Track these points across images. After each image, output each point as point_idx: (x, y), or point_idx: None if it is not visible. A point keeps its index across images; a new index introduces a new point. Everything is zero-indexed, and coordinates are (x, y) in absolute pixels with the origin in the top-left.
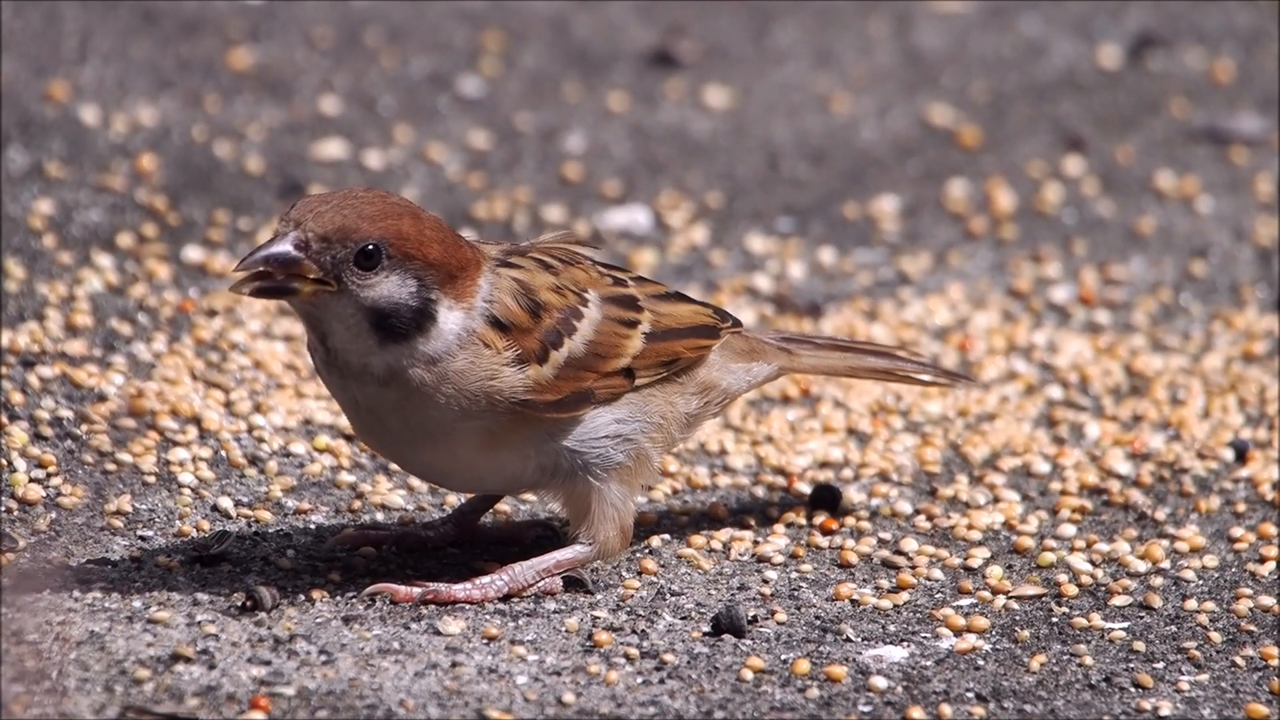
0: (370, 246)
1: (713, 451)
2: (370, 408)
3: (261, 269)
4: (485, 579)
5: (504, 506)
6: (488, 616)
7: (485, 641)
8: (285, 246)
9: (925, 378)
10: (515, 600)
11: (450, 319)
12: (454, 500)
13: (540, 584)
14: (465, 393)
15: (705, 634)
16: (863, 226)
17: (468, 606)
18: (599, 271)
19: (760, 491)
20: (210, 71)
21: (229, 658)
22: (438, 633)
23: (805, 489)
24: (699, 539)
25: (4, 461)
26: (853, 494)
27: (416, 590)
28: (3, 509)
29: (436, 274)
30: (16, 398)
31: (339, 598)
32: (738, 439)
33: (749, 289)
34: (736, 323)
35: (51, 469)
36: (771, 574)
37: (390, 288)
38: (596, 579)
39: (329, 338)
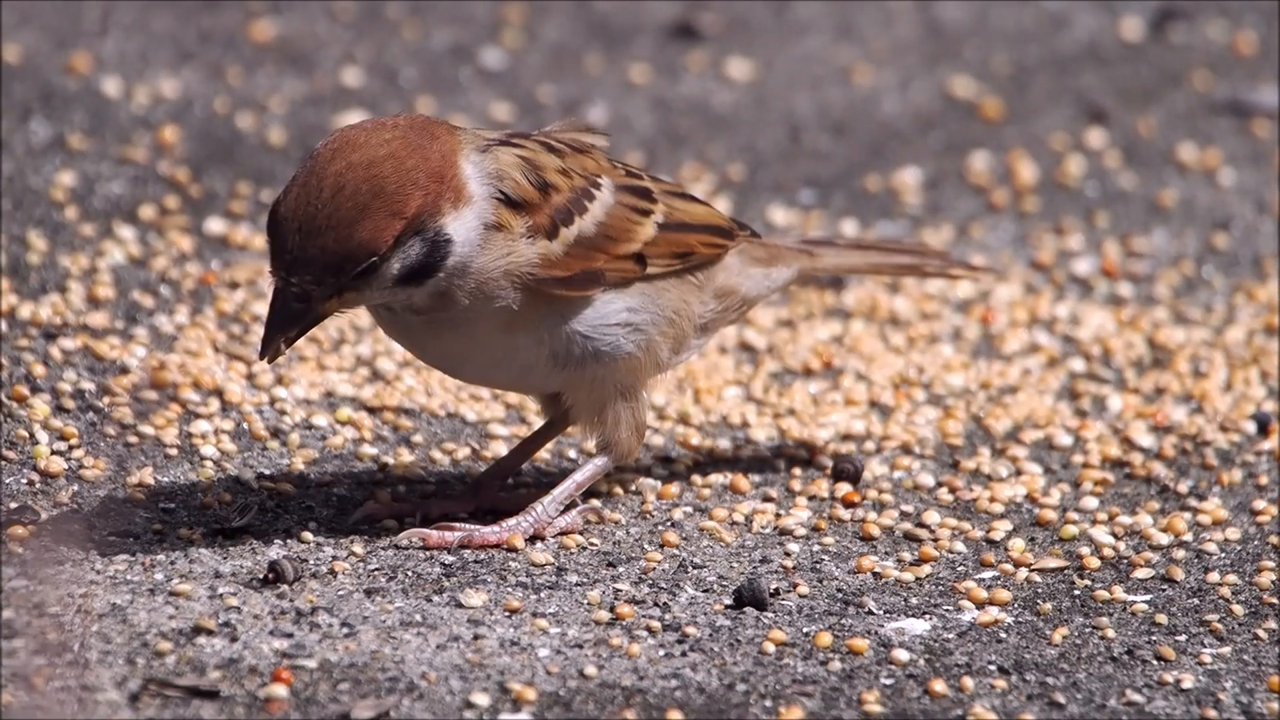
0: (363, 268)
1: (735, 424)
2: (406, 323)
3: (284, 342)
4: (511, 520)
5: (526, 481)
6: (509, 589)
7: (507, 614)
8: (290, 310)
9: (952, 271)
10: (537, 572)
11: (461, 229)
12: (478, 471)
13: (566, 520)
14: (490, 280)
15: (727, 606)
16: (884, 199)
17: (490, 579)
18: (611, 162)
19: (782, 464)
20: (232, 43)
21: (251, 630)
22: (460, 605)
23: (827, 461)
24: (721, 512)
25: (27, 434)
26: (875, 466)
27: (450, 535)
28: (25, 481)
29: (429, 214)
30: (39, 370)
31: (361, 570)
32: (760, 411)
33: None
34: (754, 233)
35: (74, 441)
36: (794, 547)
37: (397, 268)
38: (618, 551)
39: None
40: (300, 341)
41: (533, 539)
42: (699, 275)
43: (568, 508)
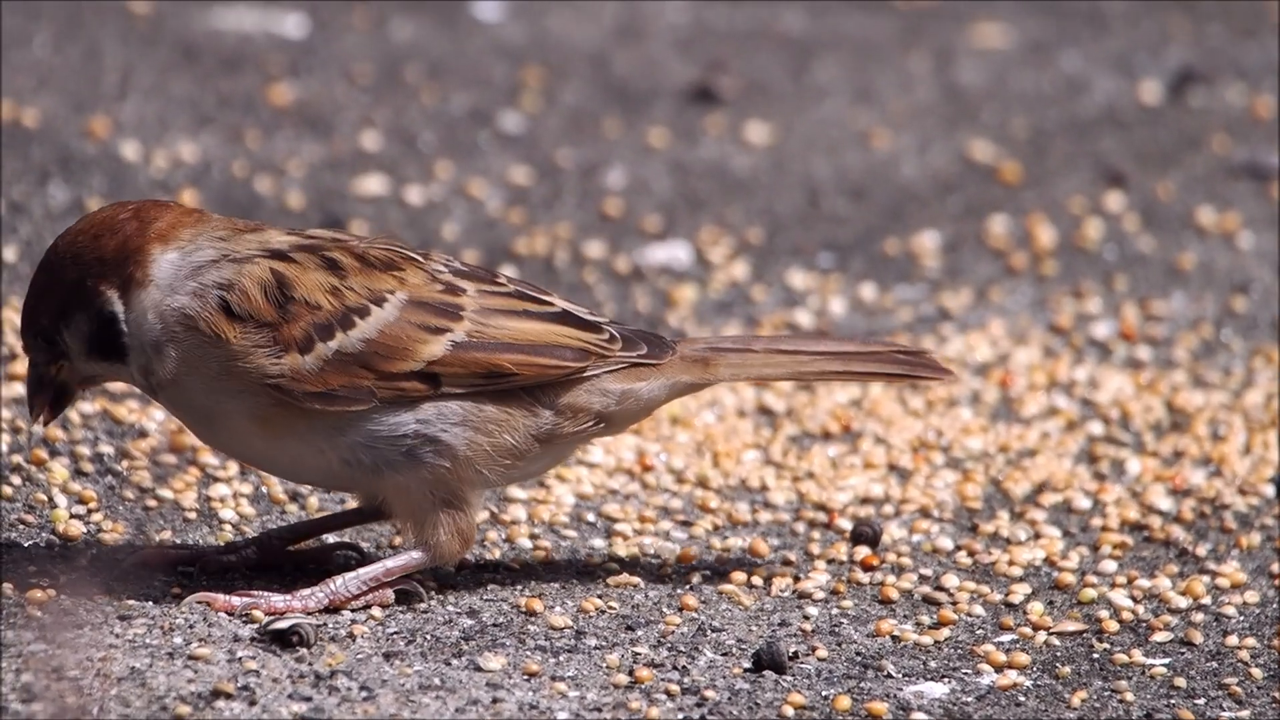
0: (36, 332)
1: (754, 487)
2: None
3: (48, 395)
4: (307, 590)
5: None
6: (528, 652)
7: (526, 677)
8: (33, 375)
9: (919, 373)
10: (556, 635)
11: (135, 313)
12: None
13: (370, 595)
14: (212, 379)
15: (746, 670)
16: (903, 262)
17: (508, 642)
18: (432, 275)
19: (801, 527)
20: (250, 107)
21: (270, 694)
22: (478, 669)
23: (846, 525)
24: (740, 575)
25: (45, 497)
26: (894, 530)
27: (237, 600)
28: (44, 545)
29: (89, 290)
30: (57, 433)
31: (379, 633)
32: (779, 475)
33: (790, 324)
34: (657, 342)
35: (92, 505)
36: (812, 610)
37: (75, 340)
38: (637, 614)
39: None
40: None
41: (330, 610)
42: (533, 393)
43: (374, 589)
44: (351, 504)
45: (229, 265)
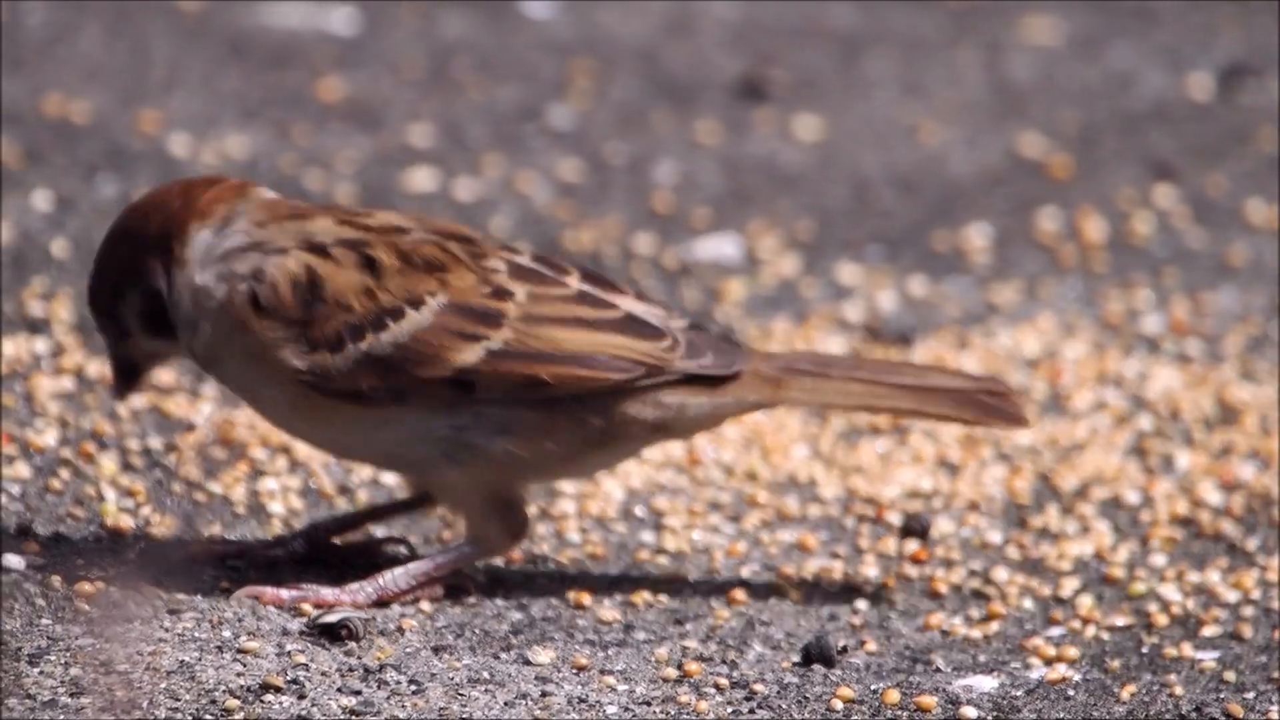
0: (100, 311)
1: (803, 482)
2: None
3: (119, 370)
4: (356, 584)
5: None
6: (578, 646)
7: (575, 671)
8: (109, 350)
9: (968, 416)
10: (605, 629)
11: (181, 297)
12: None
13: (419, 589)
14: (250, 366)
15: (795, 664)
16: (952, 257)
17: (558, 636)
18: (483, 277)
19: (850, 522)
20: (299, 102)
21: (319, 687)
22: (528, 662)
23: (895, 519)
24: (789, 569)
25: (94, 491)
26: (943, 524)
27: (286, 593)
28: (93, 538)
29: (137, 269)
30: (106, 427)
31: (429, 627)
32: (828, 469)
33: (838, 319)
34: (731, 350)
35: (141, 499)
36: (861, 604)
37: (132, 315)
38: (686, 608)
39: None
40: None
41: (379, 604)
42: (582, 401)
43: (423, 584)
44: (401, 495)
45: (257, 254)
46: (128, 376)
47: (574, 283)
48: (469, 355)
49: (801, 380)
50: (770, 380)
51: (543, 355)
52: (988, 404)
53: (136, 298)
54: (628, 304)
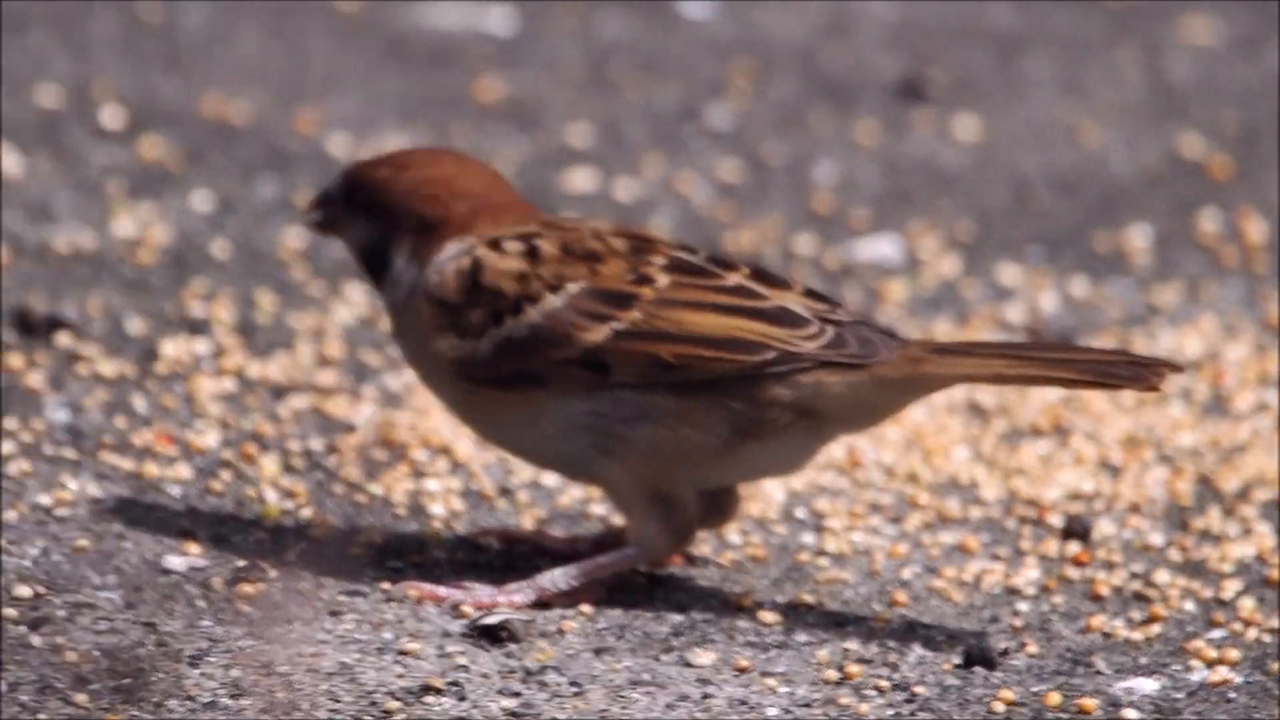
0: (345, 192)
1: (964, 483)
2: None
3: (312, 210)
4: (515, 585)
5: None
6: (738, 648)
7: (736, 673)
8: (324, 191)
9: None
10: (766, 631)
11: (404, 273)
12: None
13: (579, 591)
14: (413, 349)
15: (956, 666)
16: (1113, 257)
17: (718, 637)
18: (634, 266)
19: (1011, 523)
20: (457, 102)
21: (479, 689)
22: (688, 664)
23: (1057, 521)
24: (950, 571)
25: (255, 492)
26: (1104, 526)
27: (443, 590)
28: (253, 540)
29: (397, 227)
30: (267, 429)
31: (589, 629)
32: (989, 470)
33: (1000, 320)
34: (872, 339)
35: (302, 500)
36: (1023, 606)
37: (359, 231)
38: (847, 610)
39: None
40: None
41: (538, 605)
42: (718, 386)
43: (584, 586)
44: (563, 498)
45: (458, 246)
46: (324, 224)
47: (735, 278)
48: (596, 335)
49: (940, 357)
50: (911, 359)
51: (667, 335)
52: (1117, 370)
53: (367, 233)
54: (787, 298)
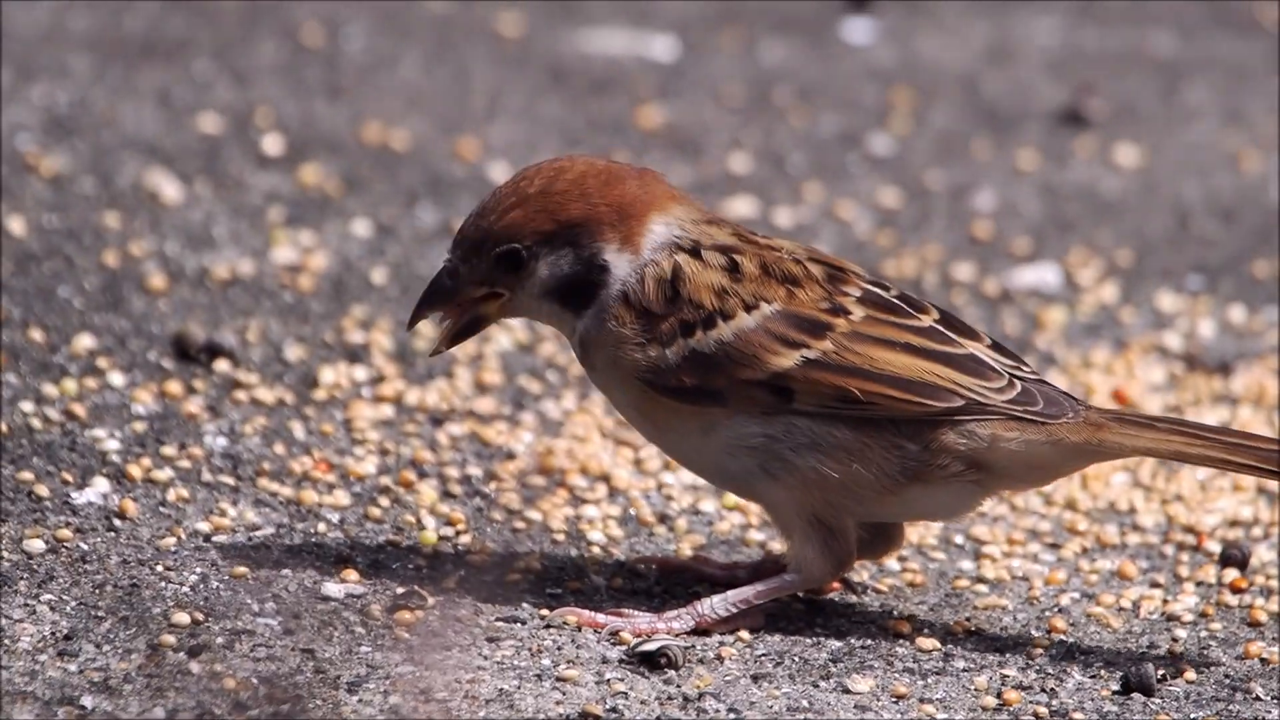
0: (502, 251)
1: (1122, 510)
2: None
3: (439, 314)
4: (673, 612)
5: None
6: (896, 674)
7: (894, 700)
8: (439, 284)
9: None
10: (924, 657)
11: (620, 267)
12: None
13: (737, 617)
14: (608, 359)
15: (1114, 692)
16: (1273, 285)
17: (876, 664)
18: (829, 294)
19: (1169, 550)
20: (620, 129)
21: (638, 716)
22: (846, 691)
23: (1215, 547)
24: (1108, 597)
25: (414, 519)
26: (1262, 552)
27: (602, 617)
28: (412, 566)
29: (587, 230)
30: (426, 455)
31: (748, 655)
32: (1147, 497)
33: (1158, 347)
34: (1056, 401)
35: (460, 526)
36: (1181, 632)
37: (545, 271)
38: (1005, 636)
39: (563, 336)
40: None
41: (696, 632)
42: (899, 426)
43: (742, 612)
44: (722, 523)
45: (663, 252)
46: (466, 329)
47: (927, 320)
48: (785, 361)
49: (1122, 426)
50: (1093, 424)
51: (858, 370)
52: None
53: (569, 261)
54: (978, 348)
